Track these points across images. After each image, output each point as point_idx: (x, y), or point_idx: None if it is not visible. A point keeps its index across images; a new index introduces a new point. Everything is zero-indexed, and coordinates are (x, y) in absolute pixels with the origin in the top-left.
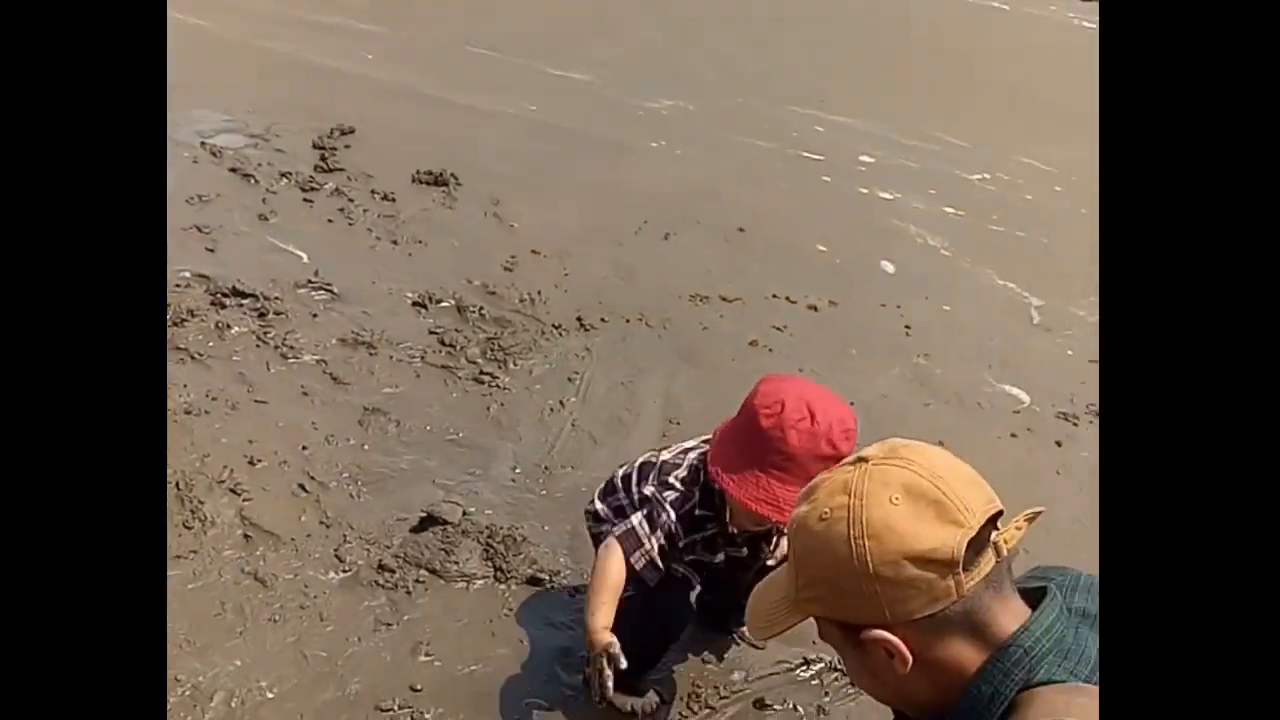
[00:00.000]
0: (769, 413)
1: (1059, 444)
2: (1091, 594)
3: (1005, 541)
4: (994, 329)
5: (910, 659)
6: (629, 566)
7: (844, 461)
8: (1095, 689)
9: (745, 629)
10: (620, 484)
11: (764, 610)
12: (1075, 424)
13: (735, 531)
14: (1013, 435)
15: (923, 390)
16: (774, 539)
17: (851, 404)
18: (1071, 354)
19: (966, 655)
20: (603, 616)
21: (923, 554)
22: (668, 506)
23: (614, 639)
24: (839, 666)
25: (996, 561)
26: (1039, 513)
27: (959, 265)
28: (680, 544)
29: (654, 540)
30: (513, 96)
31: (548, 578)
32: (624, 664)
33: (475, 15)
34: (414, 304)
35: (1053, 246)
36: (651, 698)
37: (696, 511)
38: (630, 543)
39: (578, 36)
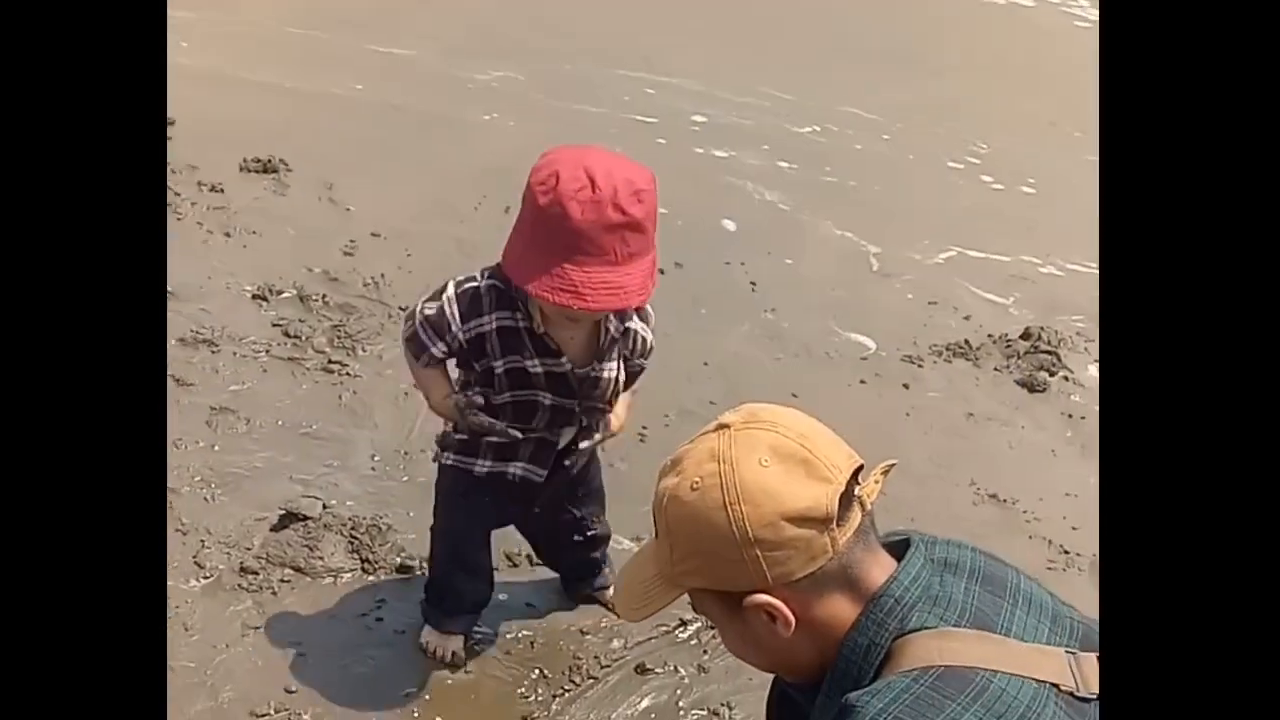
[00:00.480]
0: (544, 189)
1: (906, 386)
2: (951, 546)
3: (867, 495)
4: (836, 279)
5: (793, 621)
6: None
7: (704, 430)
8: (965, 632)
9: (614, 604)
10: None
11: (637, 590)
12: (920, 365)
13: (544, 335)
14: (861, 382)
15: (772, 344)
16: (602, 351)
17: (706, 364)
18: (911, 298)
19: (844, 610)
20: (437, 389)
21: (799, 513)
22: (450, 293)
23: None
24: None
25: (862, 515)
26: (892, 465)
27: (797, 219)
28: (476, 329)
29: (449, 316)
30: (337, 76)
31: (417, 564)
32: (480, 401)
33: None
34: (254, 297)
35: (885, 194)
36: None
37: (485, 299)
38: (419, 340)
39: (399, 11)
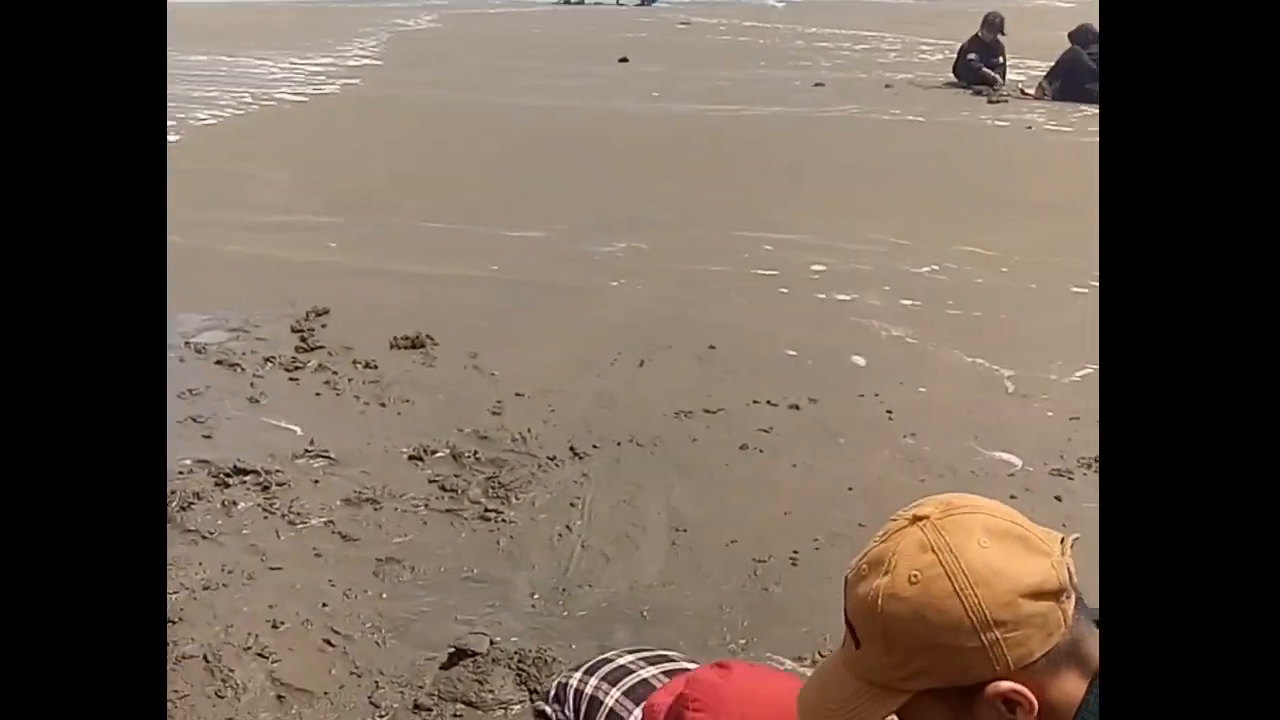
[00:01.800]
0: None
1: (1058, 499)
2: None
3: (1070, 566)
4: (972, 403)
5: (1036, 706)
6: None
7: (893, 528)
8: None
9: None
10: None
11: (836, 712)
12: (1070, 478)
13: None
14: (1012, 497)
15: (915, 467)
16: None
17: (850, 489)
18: (1051, 415)
19: (1076, 689)
20: None
21: (1033, 588)
22: None
23: None
24: None
25: (1074, 587)
26: (1076, 538)
27: (926, 350)
28: None
29: None
30: (475, 260)
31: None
32: None
33: (427, 196)
34: (410, 458)
35: (1012, 321)
36: None
37: None
38: None
39: (525, 203)
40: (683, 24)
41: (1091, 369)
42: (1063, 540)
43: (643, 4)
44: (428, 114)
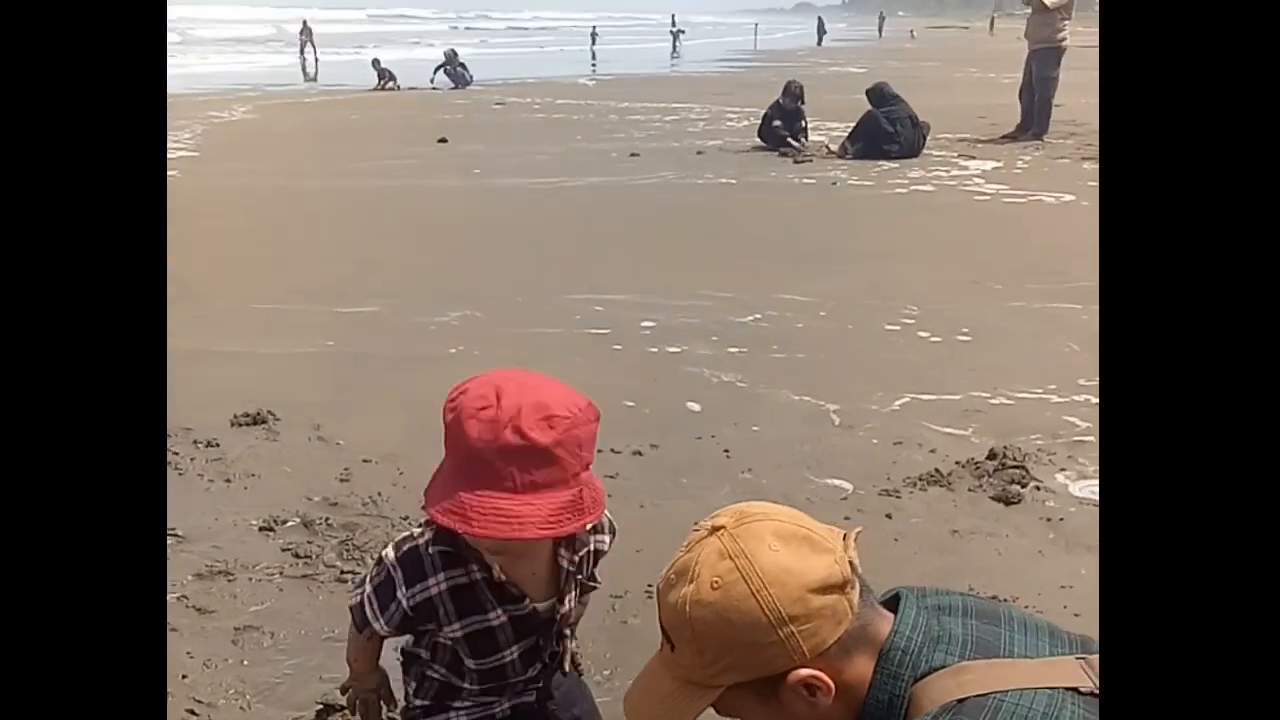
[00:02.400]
0: (451, 405)
1: (889, 516)
2: (940, 593)
3: (853, 559)
4: (802, 436)
5: (833, 688)
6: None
7: (694, 539)
8: (976, 663)
9: None
10: None
11: (656, 709)
12: (898, 497)
13: (505, 583)
14: (846, 518)
15: (754, 498)
16: (561, 589)
17: (695, 524)
18: (876, 442)
19: (867, 669)
20: (361, 663)
21: (819, 583)
22: (390, 556)
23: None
24: None
25: (858, 577)
26: (859, 531)
27: (756, 392)
28: (422, 593)
29: (395, 581)
30: (310, 337)
31: None
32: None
33: (258, 279)
34: (261, 529)
35: (832, 360)
36: None
37: (427, 561)
38: (362, 612)
39: (354, 279)
40: (498, 104)
41: (909, 398)
42: (845, 536)
43: (456, 86)
44: (250, 202)
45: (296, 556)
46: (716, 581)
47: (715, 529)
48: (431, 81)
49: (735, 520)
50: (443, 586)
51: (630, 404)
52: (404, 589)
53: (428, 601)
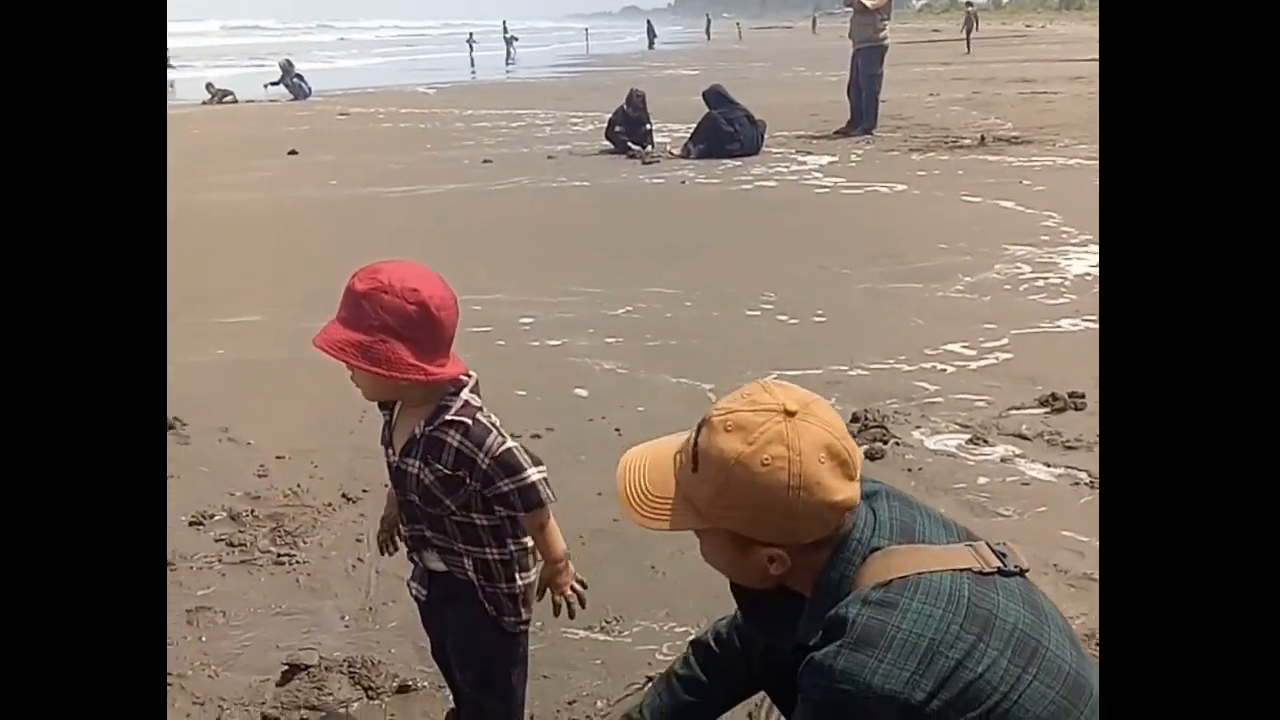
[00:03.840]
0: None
1: None
2: (864, 481)
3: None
4: (684, 414)
5: (789, 567)
6: None
7: (763, 403)
8: (901, 548)
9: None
10: None
11: (658, 501)
12: None
13: (389, 421)
14: None
15: None
16: (408, 446)
17: (599, 494)
18: None
19: (824, 557)
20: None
21: (834, 503)
22: None
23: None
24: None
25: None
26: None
27: (637, 376)
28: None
29: None
30: (200, 347)
31: (413, 682)
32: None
33: None
34: (191, 523)
35: (702, 345)
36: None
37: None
38: None
39: (235, 290)
40: (342, 115)
41: (776, 373)
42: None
43: (296, 98)
44: None
45: (231, 545)
46: (767, 460)
47: (788, 412)
48: (266, 91)
49: (803, 411)
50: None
51: (522, 393)
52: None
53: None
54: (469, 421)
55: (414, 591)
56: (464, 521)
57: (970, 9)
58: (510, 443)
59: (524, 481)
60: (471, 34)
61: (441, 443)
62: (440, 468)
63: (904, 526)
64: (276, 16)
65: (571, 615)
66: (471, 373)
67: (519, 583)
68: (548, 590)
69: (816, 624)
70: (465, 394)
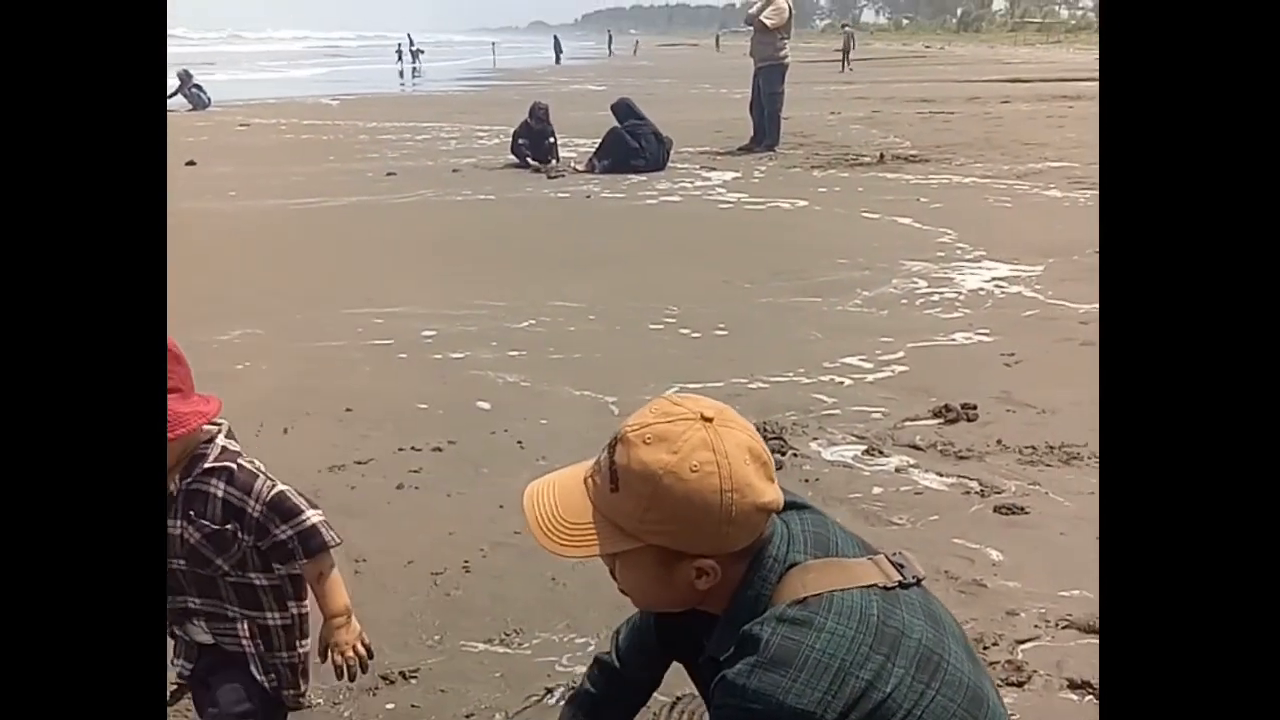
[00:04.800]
0: None
1: None
2: (787, 493)
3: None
4: (587, 426)
5: (719, 576)
6: None
7: (680, 414)
8: (816, 562)
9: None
10: None
11: (575, 528)
12: None
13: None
14: None
15: None
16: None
17: (501, 507)
18: None
19: (743, 567)
20: None
21: (764, 504)
22: None
23: None
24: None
25: None
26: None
27: (540, 389)
28: None
29: None
30: None
31: (307, 700)
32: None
33: None
34: None
35: (605, 358)
36: None
37: None
38: None
39: None
40: (242, 125)
41: (678, 386)
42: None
43: (194, 108)
44: None
45: None
46: (695, 466)
47: (705, 418)
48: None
49: (721, 419)
50: None
51: (423, 406)
52: None
53: None
54: (232, 467)
55: (179, 668)
56: (240, 583)
57: (847, 30)
58: (281, 485)
59: (303, 525)
60: (400, 45)
61: (204, 494)
62: (206, 523)
63: (818, 539)
64: (187, 25)
65: (352, 679)
66: (221, 419)
67: (299, 650)
68: (328, 652)
69: (729, 639)
70: (221, 439)
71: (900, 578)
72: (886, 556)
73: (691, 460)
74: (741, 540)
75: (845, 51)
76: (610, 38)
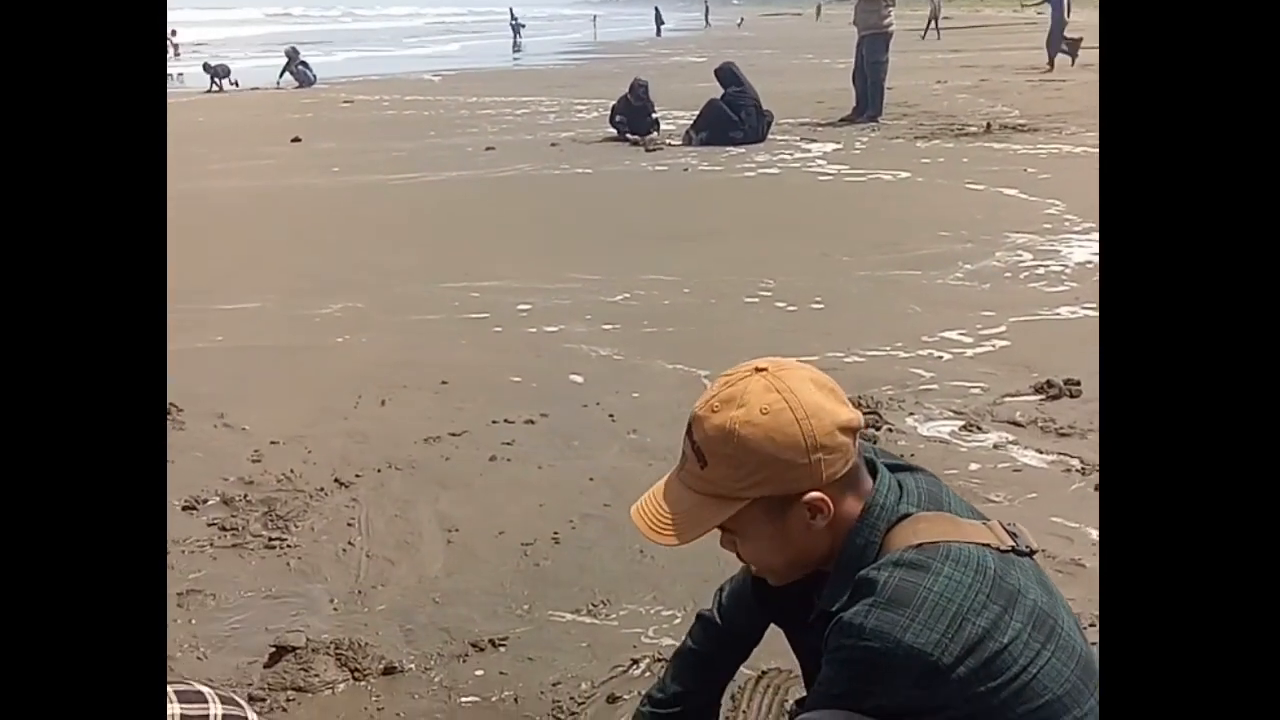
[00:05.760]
0: None
1: None
2: (886, 455)
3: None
4: (679, 399)
5: (832, 512)
6: None
7: (735, 377)
8: (929, 514)
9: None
10: None
11: (679, 515)
12: None
13: None
14: None
15: (643, 455)
16: None
17: (591, 479)
18: None
19: (855, 509)
20: None
21: (844, 424)
22: None
23: None
24: (663, 656)
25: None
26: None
27: (633, 363)
28: None
29: None
30: (199, 334)
31: (399, 664)
32: None
33: None
34: (184, 509)
35: (699, 332)
36: None
37: None
38: None
39: (235, 277)
40: (346, 103)
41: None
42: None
43: (301, 85)
44: None
45: (223, 529)
46: (765, 408)
47: (758, 370)
48: (278, 83)
49: (774, 365)
50: None
51: (517, 379)
52: None
53: None
54: None
55: None
56: None
57: None
58: None
59: None
60: (514, 16)
61: None
62: None
63: (931, 496)
64: (305, 4)
65: None
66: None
67: None
68: None
69: (843, 587)
70: None
71: (1014, 544)
72: (1000, 524)
73: (760, 405)
74: (837, 465)
75: (933, 17)
76: (707, 8)
